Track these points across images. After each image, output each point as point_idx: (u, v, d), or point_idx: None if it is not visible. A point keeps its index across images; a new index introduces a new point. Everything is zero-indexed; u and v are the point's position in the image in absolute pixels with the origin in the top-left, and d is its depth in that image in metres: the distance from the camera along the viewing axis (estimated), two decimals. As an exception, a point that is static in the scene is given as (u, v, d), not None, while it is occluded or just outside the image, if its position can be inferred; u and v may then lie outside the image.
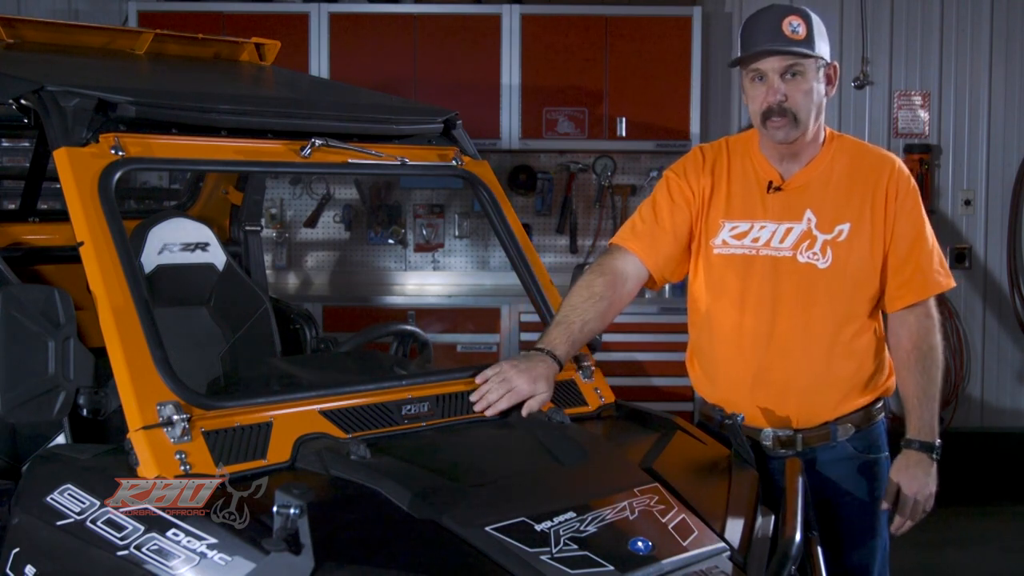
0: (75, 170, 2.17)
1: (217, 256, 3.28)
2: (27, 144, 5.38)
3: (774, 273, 2.59)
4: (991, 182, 6.20)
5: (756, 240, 2.62)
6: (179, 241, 3.17)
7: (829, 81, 2.59)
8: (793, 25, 2.50)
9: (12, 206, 4.90)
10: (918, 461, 2.60)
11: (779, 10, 2.53)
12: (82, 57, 2.98)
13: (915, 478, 2.58)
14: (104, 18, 5.98)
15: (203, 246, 3.24)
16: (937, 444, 2.57)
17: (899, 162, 2.66)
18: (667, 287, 6.06)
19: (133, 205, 5.52)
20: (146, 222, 3.13)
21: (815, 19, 2.55)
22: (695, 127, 5.83)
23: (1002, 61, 6.15)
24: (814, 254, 2.57)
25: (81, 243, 2.12)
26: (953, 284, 2.66)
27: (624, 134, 5.84)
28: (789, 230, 2.59)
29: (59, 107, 2.22)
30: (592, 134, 5.86)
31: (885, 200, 2.58)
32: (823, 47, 2.54)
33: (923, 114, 6.16)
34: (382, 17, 5.84)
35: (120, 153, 2.25)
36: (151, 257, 3.08)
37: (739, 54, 2.58)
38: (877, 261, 2.58)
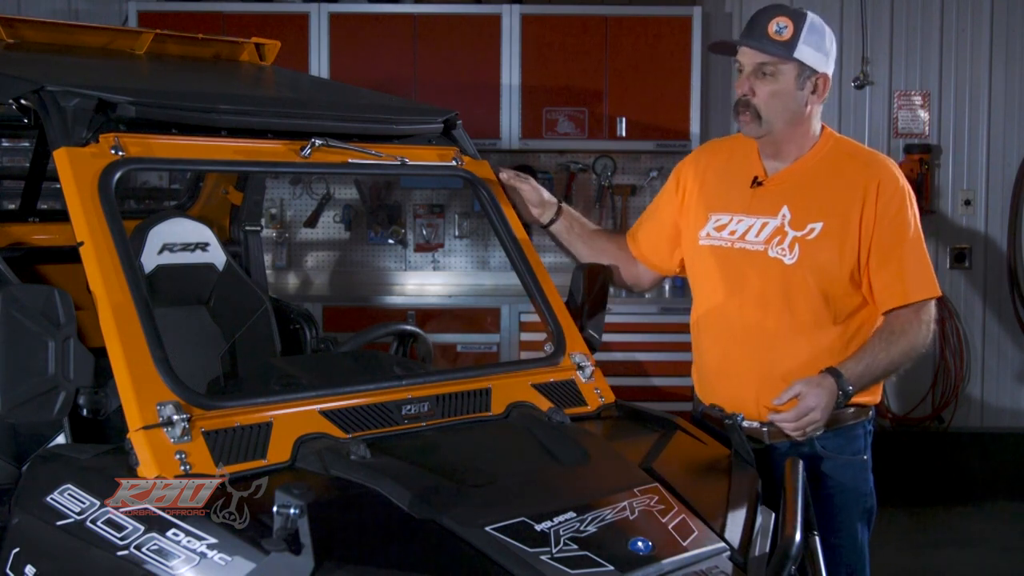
0: (75, 170, 2.16)
1: (217, 256, 3.28)
2: (27, 144, 5.37)
3: (745, 266, 2.64)
4: (991, 182, 6.20)
5: (733, 233, 2.67)
6: (179, 241, 3.17)
7: (816, 90, 2.59)
8: (779, 26, 2.52)
9: (12, 206, 4.89)
10: (828, 385, 2.51)
11: (775, 10, 2.55)
12: (82, 57, 2.98)
13: (815, 394, 2.49)
14: (104, 18, 5.98)
15: (203, 246, 3.24)
16: (850, 389, 2.51)
17: (890, 166, 2.64)
18: (667, 287, 6.06)
19: (133, 205, 5.52)
20: (146, 222, 3.12)
21: (810, 24, 2.54)
22: (695, 127, 5.84)
23: (1002, 61, 6.14)
24: (783, 250, 2.60)
25: (81, 243, 2.12)
26: (936, 293, 2.63)
27: (624, 134, 5.84)
28: (764, 225, 2.63)
29: (59, 107, 2.22)
30: (592, 134, 5.86)
31: (864, 203, 2.58)
32: (809, 53, 2.54)
33: (923, 114, 6.16)
34: (382, 17, 5.84)
35: (120, 153, 2.24)
36: (151, 257, 3.07)
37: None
38: (847, 263, 2.58)
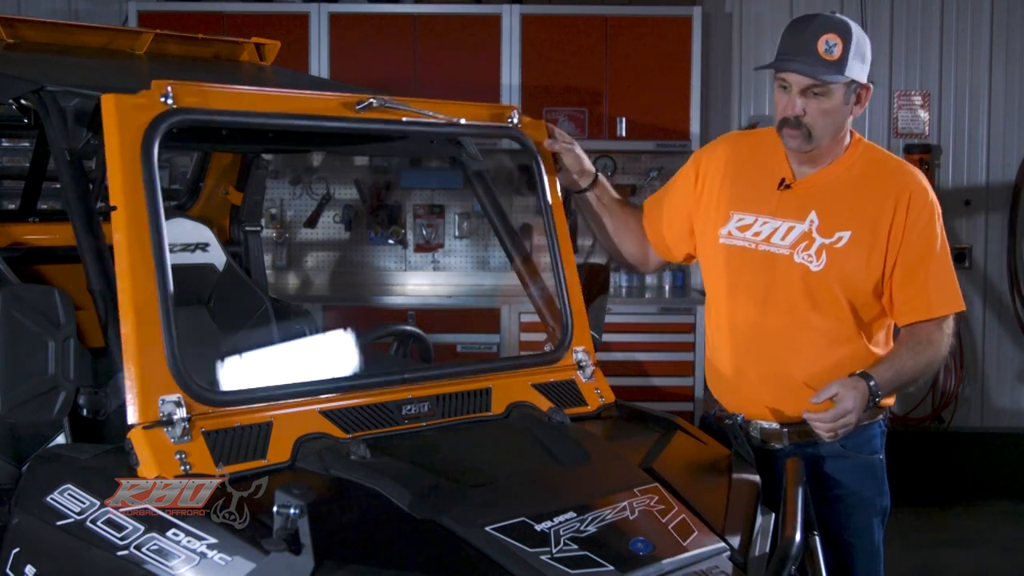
0: (120, 120, 2.02)
1: (217, 256, 3.28)
2: (27, 144, 5.37)
3: (769, 269, 2.61)
4: (991, 182, 6.20)
5: (757, 235, 2.64)
6: (179, 241, 3.17)
7: (859, 101, 2.57)
8: (829, 44, 2.47)
9: (12, 206, 4.89)
10: (862, 388, 2.49)
11: (821, 25, 2.49)
12: (82, 57, 2.98)
13: (852, 396, 2.47)
14: (104, 18, 5.98)
15: (203, 246, 3.24)
16: (879, 395, 2.51)
17: (920, 178, 2.62)
18: (667, 287, 6.07)
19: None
20: (146, 222, 3.12)
21: (856, 38, 2.50)
22: (695, 127, 5.83)
23: (1002, 61, 6.15)
24: (809, 256, 2.58)
25: (113, 208, 2.02)
26: (960, 308, 2.62)
27: (624, 134, 5.84)
28: (791, 229, 2.61)
29: (59, 107, 2.21)
30: (592, 134, 5.86)
31: (894, 214, 2.56)
32: (857, 68, 2.51)
33: (923, 114, 6.16)
34: (382, 17, 5.85)
35: (171, 103, 2.11)
36: (151, 257, 3.07)
37: (775, 56, 2.56)
38: (873, 273, 2.57)
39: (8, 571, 2.00)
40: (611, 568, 1.87)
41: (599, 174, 2.88)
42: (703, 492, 2.25)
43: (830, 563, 2.42)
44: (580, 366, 2.69)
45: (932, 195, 2.62)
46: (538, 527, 1.93)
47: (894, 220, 2.56)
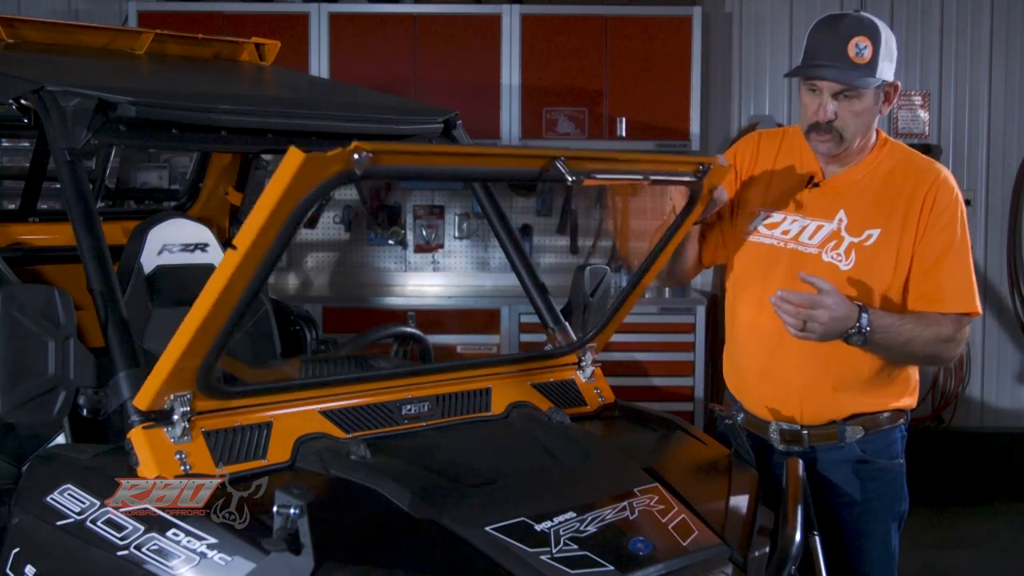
0: (297, 175, 1.76)
1: (217, 256, 3.28)
2: (27, 144, 5.38)
3: (796, 268, 2.57)
4: (991, 182, 6.20)
5: (786, 233, 2.62)
6: (179, 241, 3.17)
7: (887, 99, 2.57)
8: (859, 47, 2.45)
9: (12, 206, 4.90)
10: (849, 307, 2.37)
11: (849, 26, 2.47)
12: (82, 57, 2.98)
13: (834, 301, 2.35)
14: (104, 18, 5.98)
15: (203, 246, 3.24)
16: (867, 330, 2.38)
17: (945, 174, 2.60)
18: (667, 288, 6.07)
19: (133, 205, 5.52)
20: (146, 222, 3.13)
21: (883, 38, 2.49)
22: (695, 127, 5.83)
23: (1002, 61, 6.15)
24: (838, 255, 2.56)
25: (233, 247, 1.83)
26: (974, 310, 2.55)
27: (624, 134, 5.84)
28: (819, 227, 2.59)
29: (59, 107, 2.22)
30: (592, 134, 5.85)
31: (920, 211, 2.54)
32: (887, 68, 2.50)
33: (923, 114, 6.16)
34: (382, 17, 5.85)
35: (362, 165, 1.81)
36: (151, 257, 3.08)
37: (801, 60, 2.54)
38: (901, 272, 2.54)
39: (8, 571, 2.00)
40: (611, 568, 1.87)
41: None
42: (703, 492, 2.26)
43: (830, 562, 2.42)
44: (580, 366, 2.69)
45: (958, 193, 2.59)
46: (538, 527, 1.93)
47: (920, 216, 2.54)
